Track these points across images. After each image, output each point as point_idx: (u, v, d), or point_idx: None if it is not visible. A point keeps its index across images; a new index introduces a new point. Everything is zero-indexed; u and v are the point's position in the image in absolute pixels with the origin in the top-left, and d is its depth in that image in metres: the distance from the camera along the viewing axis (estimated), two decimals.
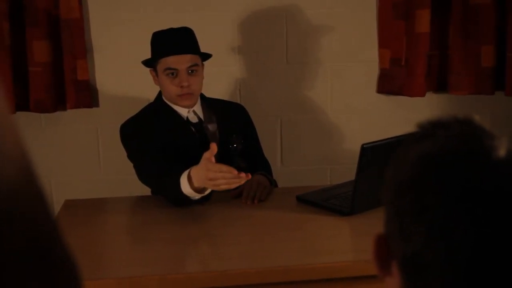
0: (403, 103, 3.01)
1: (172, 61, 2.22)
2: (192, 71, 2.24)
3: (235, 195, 2.22)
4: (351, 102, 3.04)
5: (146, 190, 2.35)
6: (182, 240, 1.93)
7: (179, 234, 1.94)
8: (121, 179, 2.81)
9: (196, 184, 1.95)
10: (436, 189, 0.65)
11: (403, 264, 0.69)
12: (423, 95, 2.94)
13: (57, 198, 2.92)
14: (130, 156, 2.27)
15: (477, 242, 0.64)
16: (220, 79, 2.93)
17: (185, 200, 2.02)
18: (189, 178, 1.95)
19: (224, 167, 1.87)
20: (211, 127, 2.35)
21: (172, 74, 2.23)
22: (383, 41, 2.96)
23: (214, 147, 1.90)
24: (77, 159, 2.96)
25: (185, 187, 1.97)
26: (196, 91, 2.27)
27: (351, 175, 2.09)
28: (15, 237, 0.39)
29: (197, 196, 2.00)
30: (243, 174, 1.86)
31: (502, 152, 0.66)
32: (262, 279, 1.68)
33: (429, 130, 0.71)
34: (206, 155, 1.91)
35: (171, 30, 2.26)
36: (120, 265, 1.77)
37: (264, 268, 1.70)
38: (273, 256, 1.76)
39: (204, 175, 1.89)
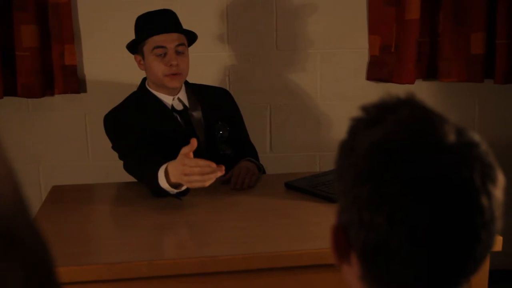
0: (392, 90, 3.00)
1: (160, 39, 2.21)
2: (179, 52, 2.23)
3: (223, 181, 2.22)
4: (340, 88, 3.03)
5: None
6: (171, 226, 1.92)
7: (167, 220, 1.94)
8: (109, 165, 2.80)
9: (172, 180, 1.92)
10: (393, 178, 0.65)
11: (363, 253, 0.69)
12: (412, 82, 2.94)
13: (44, 184, 2.90)
14: (114, 147, 2.26)
15: (438, 226, 0.64)
16: (209, 65, 2.91)
17: (163, 193, 1.99)
18: (166, 173, 1.93)
19: (201, 161, 1.84)
20: (196, 114, 2.33)
21: (160, 54, 2.21)
22: (373, 28, 2.95)
23: (194, 143, 1.86)
24: (65, 145, 2.95)
25: (162, 181, 1.94)
26: (184, 71, 2.26)
27: None
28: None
29: (173, 191, 1.98)
30: (221, 167, 1.83)
31: (452, 136, 0.67)
32: (251, 265, 1.68)
33: (376, 115, 0.71)
34: (184, 150, 1.88)
35: (155, 11, 2.25)
36: (108, 251, 1.77)
37: (252, 254, 1.70)
38: (261, 242, 1.76)
39: (180, 170, 1.86)
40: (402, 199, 0.65)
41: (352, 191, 0.68)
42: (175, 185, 1.95)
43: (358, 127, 0.71)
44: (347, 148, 0.71)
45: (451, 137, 0.67)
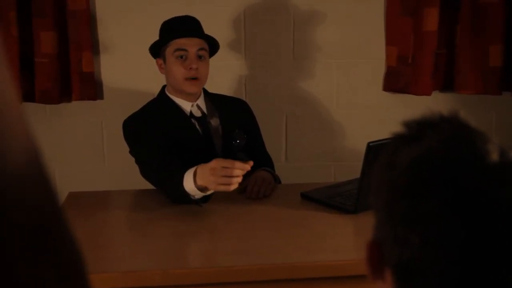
0: (409, 101, 2.99)
1: (182, 42, 2.24)
2: (200, 56, 2.25)
3: (239, 190, 2.22)
4: (356, 99, 3.03)
5: (150, 184, 2.34)
6: (186, 234, 1.92)
7: (183, 228, 1.94)
8: (125, 172, 2.80)
9: (198, 181, 1.93)
10: (431, 196, 0.64)
11: (397, 270, 0.68)
12: (429, 93, 2.93)
13: (60, 190, 2.91)
14: (132, 152, 2.27)
15: (474, 249, 0.63)
16: (226, 74, 2.92)
17: (185, 198, 2.00)
18: (194, 175, 1.94)
19: (234, 162, 1.86)
20: (214, 122, 2.34)
21: (182, 57, 2.23)
22: (391, 39, 2.94)
23: (249, 164, 1.89)
24: (81, 151, 2.96)
25: (189, 183, 1.96)
26: (203, 77, 2.27)
27: (355, 173, 2.08)
28: (19, 224, 0.39)
29: (198, 194, 1.98)
30: (250, 163, 1.86)
31: (495, 156, 0.65)
32: (266, 276, 1.68)
33: (417, 131, 0.69)
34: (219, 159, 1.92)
35: (180, 17, 2.29)
36: (123, 259, 1.77)
37: (268, 264, 1.69)
38: (277, 253, 1.76)
39: (209, 171, 1.88)
40: (439, 217, 0.63)
41: (388, 207, 0.67)
42: (200, 189, 1.96)
43: (398, 142, 0.70)
44: (386, 163, 0.71)
45: (493, 157, 0.65)
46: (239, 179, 1.86)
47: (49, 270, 0.40)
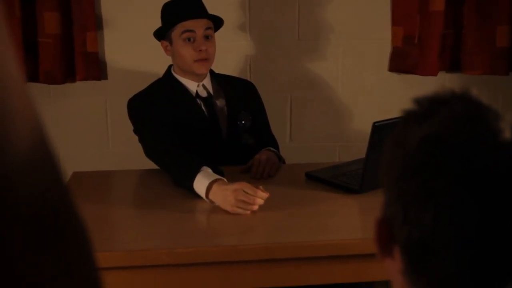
0: (415, 82, 2.97)
1: (189, 24, 2.21)
2: (207, 36, 2.23)
3: (243, 170, 2.21)
4: (362, 80, 3.01)
5: (154, 163, 2.34)
6: (191, 214, 1.92)
7: (188, 208, 1.94)
8: (130, 152, 2.80)
9: (211, 196, 1.89)
10: (443, 174, 0.63)
11: (406, 248, 0.67)
12: (435, 74, 2.91)
13: (65, 170, 2.92)
14: (136, 130, 2.26)
15: (487, 228, 0.62)
16: (230, 55, 2.90)
17: (188, 189, 1.97)
18: (208, 189, 1.89)
19: (258, 191, 1.82)
20: (219, 102, 2.33)
21: (189, 39, 2.21)
22: (397, 19, 2.92)
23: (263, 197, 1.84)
24: (86, 132, 2.96)
25: (200, 186, 1.92)
26: (212, 56, 2.26)
27: (360, 153, 2.07)
28: (24, 203, 0.38)
29: (203, 197, 1.93)
30: (266, 193, 1.83)
31: (507, 134, 0.64)
32: (271, 254, 1.68)
33: (429, 109, 0.68)
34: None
35: None
36: (129, 238, 1.77)
37: (273, 243, 1.69)
38: (281, 232, 1.76)
39: (231, 189, 1.83)
40: (451, 195, 0.62)
41: (399, 185, 0.66)
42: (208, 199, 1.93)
43: (409, 120, 0.69)
44: (396, 140, 0.69)
45: (506, 134, 0.64)
46: (256, 207, 1.83)
47: (55, 248, 0.40)
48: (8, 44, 0.39)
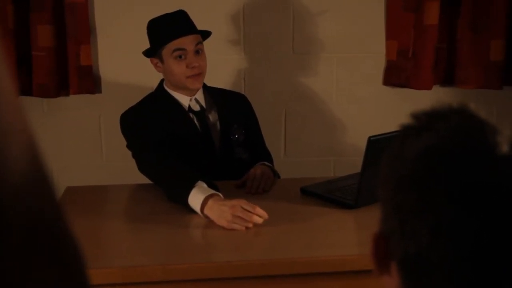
0: (409, 95, 2.98)
1: (179, 42, 2.21)
2: (198, 51, 2.22)
3: (238, 185, 2.20)
4: (356, 93, 3.01)
5: (147, 178, 2.33)
6: (185, 229, 1.91)
7: (182, 223, 1.92)
8: (123, 166, 2.78)
9: (206, 211, 1.88)
10: (440, 188, 0.62)
11: (403, 264, 0.66)
12: (430, 88, 2.91)
13: (58, 185, 2.90)
14: (129, 146, 2.25)
15: (485, 242, 0.61)
16: (225, 68, 2.90)
17: (182, 203, 1.96)
18: (204, 204, 1.89)
19: (257, 208, 1.82)
20: (212, 116, 2.32)
21: (180, 56, 2.20)
22: (391, 33, 2.93)
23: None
24: (79, 145, 2.94)
25: (195, 201, 1.91)
26: (204, 69, 2.26)
27: (355, 167, 2.07)
28: (18, 222, 0.37)
29: (197, 212, 1.92)
30: (265, 215, 1.83)
31: (505, 147, 0.64)
32: (266, 271, 1.66)
33: (426, 123, 0.68)
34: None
35: (168, 15, 2.24)
36: (122, 254, 1.75)
37: (268, 260, 1.68)
38: (277, 248, 1.74)
39: (229, 204, 1.83)
40: (449, 209, 0.61)
41: (396, 199, 0.66)
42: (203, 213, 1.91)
43: (407, 134, 0.69)
44: (393, 154, 0.69)
45: (503, 148, 0.64)
46: (251, 225, 1.82)
47: (49, 268, 0.39)
48: (2, 60, 0.39)
